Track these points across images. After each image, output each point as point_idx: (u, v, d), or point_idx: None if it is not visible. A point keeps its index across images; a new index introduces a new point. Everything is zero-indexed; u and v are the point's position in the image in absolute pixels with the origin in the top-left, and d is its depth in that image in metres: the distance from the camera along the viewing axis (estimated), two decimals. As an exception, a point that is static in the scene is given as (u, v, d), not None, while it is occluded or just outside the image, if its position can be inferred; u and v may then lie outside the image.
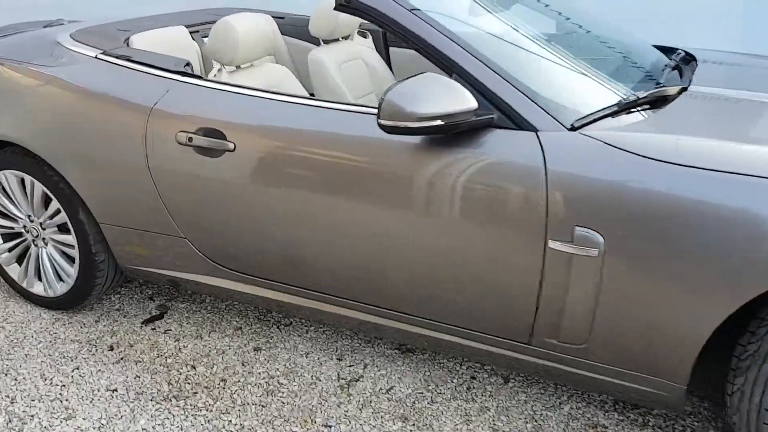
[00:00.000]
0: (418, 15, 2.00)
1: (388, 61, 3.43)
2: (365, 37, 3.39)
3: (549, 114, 1.80)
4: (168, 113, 2.21)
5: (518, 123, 1.81)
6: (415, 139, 1.88)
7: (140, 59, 2.37)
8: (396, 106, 1.75)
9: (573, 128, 1.78)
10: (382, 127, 1.79)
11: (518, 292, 1.85)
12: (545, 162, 1.74)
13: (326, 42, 3.15)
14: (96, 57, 2.43)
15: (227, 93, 2.19)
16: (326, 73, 2.99)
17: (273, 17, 3.38)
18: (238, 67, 2.58)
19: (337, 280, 2.13)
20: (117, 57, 2.40)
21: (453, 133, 1.83)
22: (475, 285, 1.90)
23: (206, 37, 3.04)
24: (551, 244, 1.75)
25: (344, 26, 3.12)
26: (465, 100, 1.77)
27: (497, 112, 1.83)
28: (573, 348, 1.86)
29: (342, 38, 3.23)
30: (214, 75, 2.44)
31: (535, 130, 1.79)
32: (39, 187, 2.53)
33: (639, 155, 1.68)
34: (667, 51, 2.71)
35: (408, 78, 1.79)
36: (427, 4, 2.09)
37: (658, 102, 2.00)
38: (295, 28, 3.46)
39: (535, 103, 1.81)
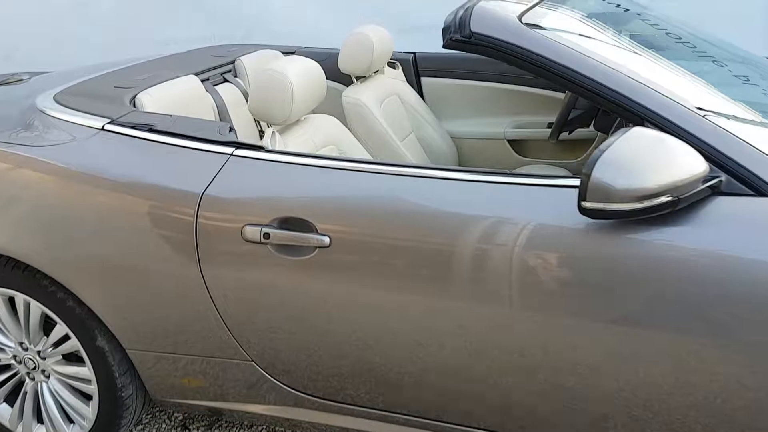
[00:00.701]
0: (580, 51, 1.50)
1: (420, 92, 2.93)
2: (395, 68, 2.87)
3: None
4: (226, 201, 1.63)
5: (757, 187, 1.33)
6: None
7: (168, 128, 1.77)
8: (606, 185, 1.25)
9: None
10: (585, 211, 1.28)
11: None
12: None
13: (357, 78, 2.61)
14: (103, 129, 1.81)
15: (303, 167, 1.63)
16: (369, 116, 2.46)
17: (282, 52, 2.82)
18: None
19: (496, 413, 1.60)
20: (134, 127, 1.79)
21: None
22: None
23: (218, 85, 2.45)
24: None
25: (381, 59, 2.60)
26: (694, 164, 1.29)
27: (724, 175, 1.35)
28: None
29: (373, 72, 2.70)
30: (270, 140, 1.86)
31: None
32: (36, 308, 1.88)
33: None
34: None
35: (613, 141, 1.29)
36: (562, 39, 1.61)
37: None
38: (310, 63, 2.90)
39: None
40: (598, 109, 2.32)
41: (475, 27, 1.54)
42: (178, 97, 2.14)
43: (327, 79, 2.87)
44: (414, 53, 2.93)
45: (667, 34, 2.11)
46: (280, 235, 1.57)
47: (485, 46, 1.53)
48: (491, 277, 1.45)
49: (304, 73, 1.95)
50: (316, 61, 2.90)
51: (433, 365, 1.58)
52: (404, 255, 1.51)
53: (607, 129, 2.42)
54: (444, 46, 1.58)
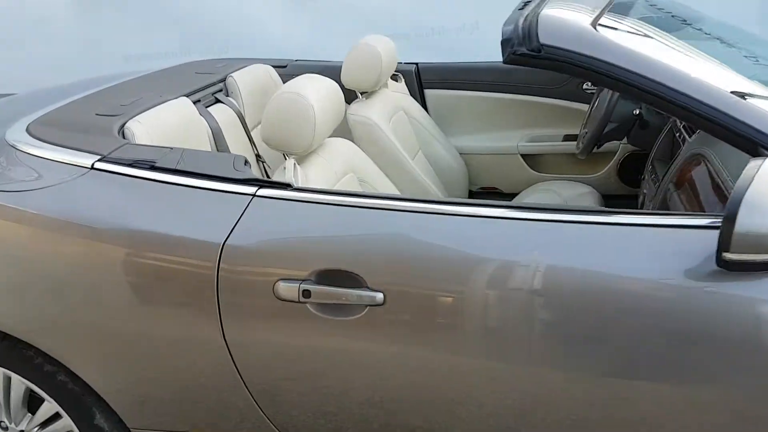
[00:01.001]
0: (671, 65, 1.30)
1: (423, 105, 2.70)
2: (397, 81, 2.64)
3: None
4: (253, 251, 1.37)
5: None
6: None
7: (173, 164, 1.49)
8: (757, 233, 1.04)
9: None
10: (728, 263, 1.07)
11: None
12: None
13: (362, 93, 2.37)
14: (93, 167, 1.52)
15: (341, 207, 1.38)
16: (380, 135, 2.23)
17: (273, 66, 2.55)
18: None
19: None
20: (131, 164, 1.51)
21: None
22: None
23: (210, 106, 2.17)
24: None
25: (387, 72, 2.36)
26: None
27: None
28: None
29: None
30: (293, 175, 1.60)
31: None
32: (19, 383, 1.58)
33: None
34: None
35: (748, 181, 1.08)
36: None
37: None
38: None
39: None
40: (634, 123, 2.14)
41: (545, 38, 1.31)
42: (173, 124, 1.85)
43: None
44: (416, 64, 2.70)
45: (672, 17, 1.93)
46: (323, 292, 1.32)
47: (557, 60, 1.31)
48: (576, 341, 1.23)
49: (325, 95, 1.70)
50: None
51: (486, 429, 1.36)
52: (469, 309, 1.28)
53: (643, 143, 2.23)
54: (506, 62, 1.35)
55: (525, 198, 2.55)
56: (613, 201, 2.49)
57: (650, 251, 1.22)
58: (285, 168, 1.64)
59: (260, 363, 1.40)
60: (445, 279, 1.28)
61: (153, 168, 1.49)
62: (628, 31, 1.50)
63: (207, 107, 2.15)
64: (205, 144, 2.03)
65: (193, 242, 1.39)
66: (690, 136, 1.78)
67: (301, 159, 1.70)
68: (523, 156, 2.68)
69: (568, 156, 2.68)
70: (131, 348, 1.46)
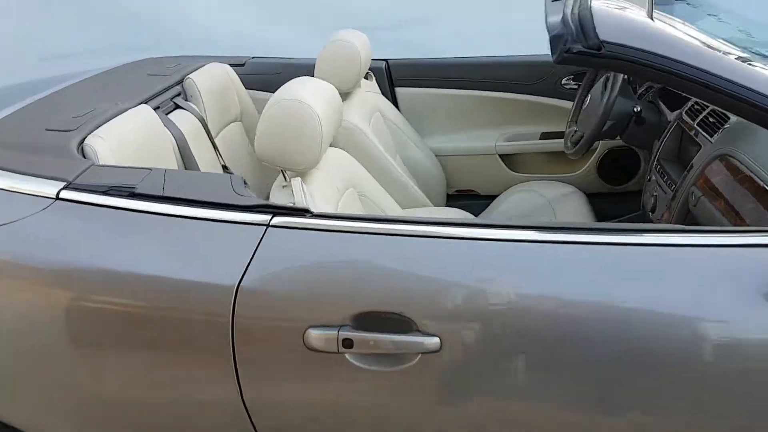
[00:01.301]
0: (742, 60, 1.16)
1: (395, 105, 2.51)
2: (368, 79, 2.43)
3: None
4: (274, 293, 1.14)
5: None
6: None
7: (157, 189, 1.24)
8: None
9: None
10: None
11: None
12: None
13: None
14: (58, 197, 1.24)
15: (377, 236, 1.17)
16: (365, 141, 2.03)
17: (231, 65, 2.28)
18: None
19: None
20: (105, 192, 1.24)
21: None
22: None
23: (170, 113, 1.89)
24: None
25: (365, 71, 2.16)
26: None
27: None
28: None
29: (351, 87, 2.25)
30: (303, 197, 1.36)
31: None
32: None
33: None
34: None
35: None
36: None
37: None
38: (265, 77, 2.39)
39: None
40: (629, 120, 2.03)
41: (606, 35, 1.15)
42: (138, 137, 1.58)
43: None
44: (386, 60, 2.50)
45: (687, 4, 1.85)
46: (368, 340, 1.10)
47: (621, 59, 1.15)
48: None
49: (326, 101, 1.47)
50: (271, 74, 2.44)
51: None
52: (534, 350, 1.11)
53: (639, 142, 2.13)
54: (558, 61, 1.18)
55: (506, 200, 2.41)
56: (594, 200, 2.38)
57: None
58: (285, 187, 1.41)
59: (287, 426, 1.18)
60: (511, 314, 1.10)
61: (134, 195, 1.23)
62: (675, 26, 1.36)
63: (167, 114, 1.88)
64: (172, 159, 1.76)
65: (198, 286, 1.15)
66: (712, 136, 1.67)
67: (300, 176, 1.47)
68: (501, 156, 2.54)
69: (546, 155, 2.57)
70: (121, 416, 1.20)
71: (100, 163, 1.38)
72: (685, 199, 1.70)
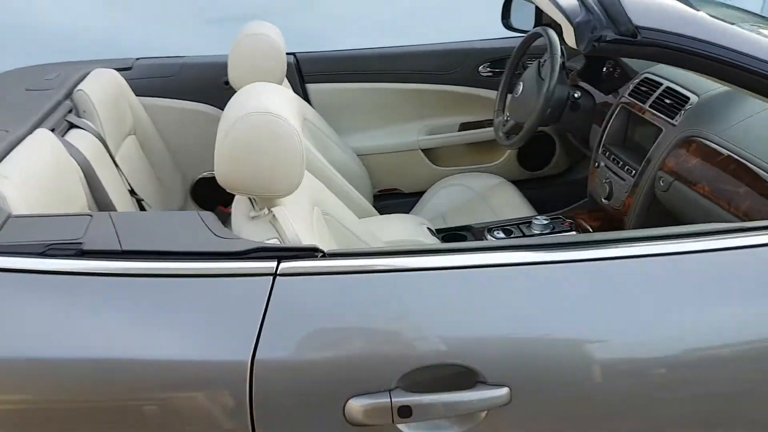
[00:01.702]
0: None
1: (307, 101, 2.27)
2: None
3: None
4: (299, 362, 0.90)
5: None
6: None
7: (111, 243, 0.95)
8: None
9: None
10: None
11: None
12: None
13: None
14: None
15: (413, 273, 0.97)
16: (308, 153, 1.77)
17: (116, 69, 1.93)
18: None
19: None
20: (43, 254, 0.93)
21: None
22: None
23: (65, 134, 1.54)
24: None
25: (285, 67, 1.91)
26: None
27: None
28: None
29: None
30: (292, 229, 1.11)
31: None
32: None
33: None
34: None
35: None
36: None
37: None
38: (159, 81, 2.06)
39: None
40: (564, 108, 1.96)
41: (640, 20, 1.03)
42: (44, 171, 1.25)
43: (190, 100, 2.10)
44: (294, 54, 2.26)
45: None
46: (429, 404, 0.90)
47: (659, 45, 1.03)
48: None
49: (294, 111, 1.23)
50: (165, 77, 2.11)
51: None
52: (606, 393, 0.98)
53: (574, 127, 2.07)
54: (586, 51, 1.04)
55: (434, 196, 2.28)
56: (519, 187, 2.31)
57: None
58: (256, 218, 1.15)
59: None
60: (581, 354, 0.95)
61: (83, 253, 0.94)
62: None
63: (63, 135, 1.53)
64: (80, 191, 1.43)
65: (200, 368, 0.88)
66: (673, 118, 1.63)
67: (272, 202, 1.21)
68: (424, 151, 2.40)
69: (467, 146, 2.46)
70: None
71: (14, 212, 1.05)
72: (651, 184, 1.66)
